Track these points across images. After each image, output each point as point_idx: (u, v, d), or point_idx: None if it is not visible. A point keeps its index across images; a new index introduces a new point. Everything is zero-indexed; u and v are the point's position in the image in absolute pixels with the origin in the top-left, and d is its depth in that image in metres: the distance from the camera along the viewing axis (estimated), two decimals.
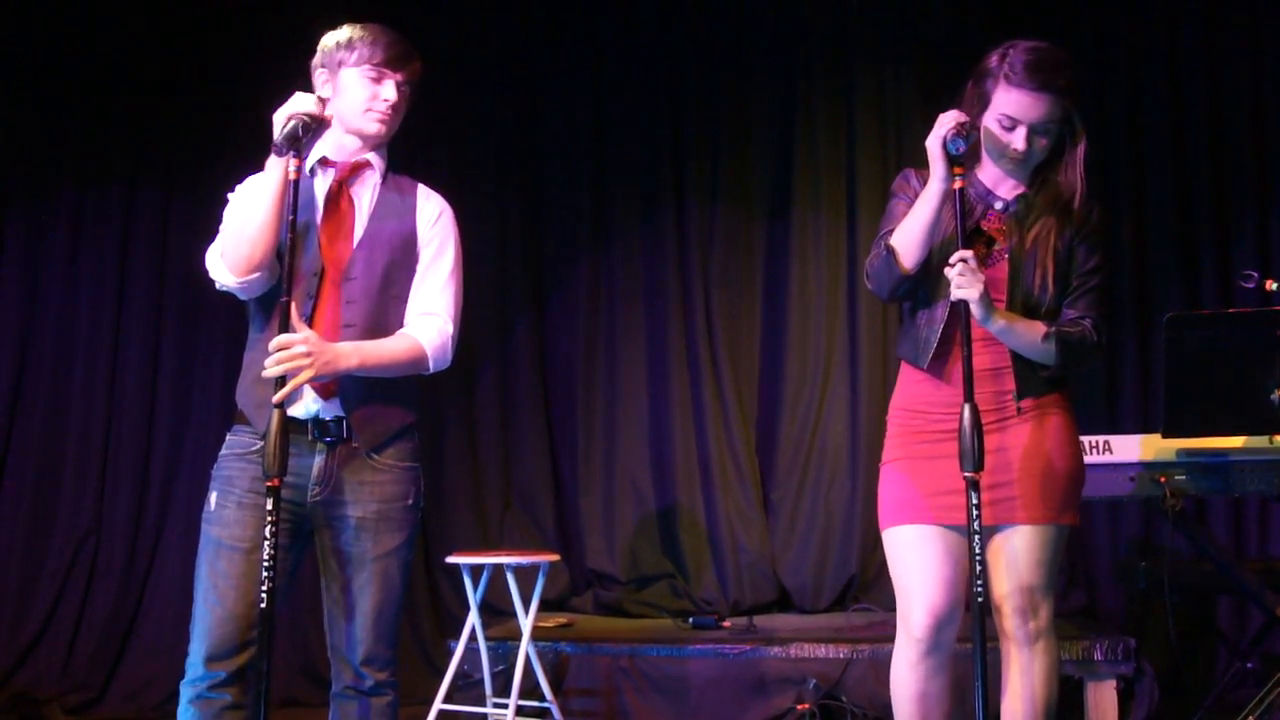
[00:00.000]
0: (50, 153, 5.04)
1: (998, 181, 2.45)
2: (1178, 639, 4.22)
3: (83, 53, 5.04)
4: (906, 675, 2.40)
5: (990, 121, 2.36)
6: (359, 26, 2.36)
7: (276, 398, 2.11)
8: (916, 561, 2.38)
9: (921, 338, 2.43)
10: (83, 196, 5.04)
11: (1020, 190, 2.44)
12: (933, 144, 2.30)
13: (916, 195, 2.40)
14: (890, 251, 2.38)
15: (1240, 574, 3.56)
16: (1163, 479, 3.27)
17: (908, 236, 2.36)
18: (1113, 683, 3.75)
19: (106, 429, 4.91)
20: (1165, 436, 3.18)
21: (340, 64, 2.33)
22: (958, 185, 2.27)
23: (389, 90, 2.32)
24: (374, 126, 2.33)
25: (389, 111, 2.33)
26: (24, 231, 5.00)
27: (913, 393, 2.46)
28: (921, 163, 2.37)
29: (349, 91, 2.32)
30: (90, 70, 5.03)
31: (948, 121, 2.28)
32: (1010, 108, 2.32)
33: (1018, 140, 2.33)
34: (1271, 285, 3.22)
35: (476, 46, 5.22)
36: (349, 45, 2.33)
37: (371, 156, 2.39)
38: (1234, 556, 4.09)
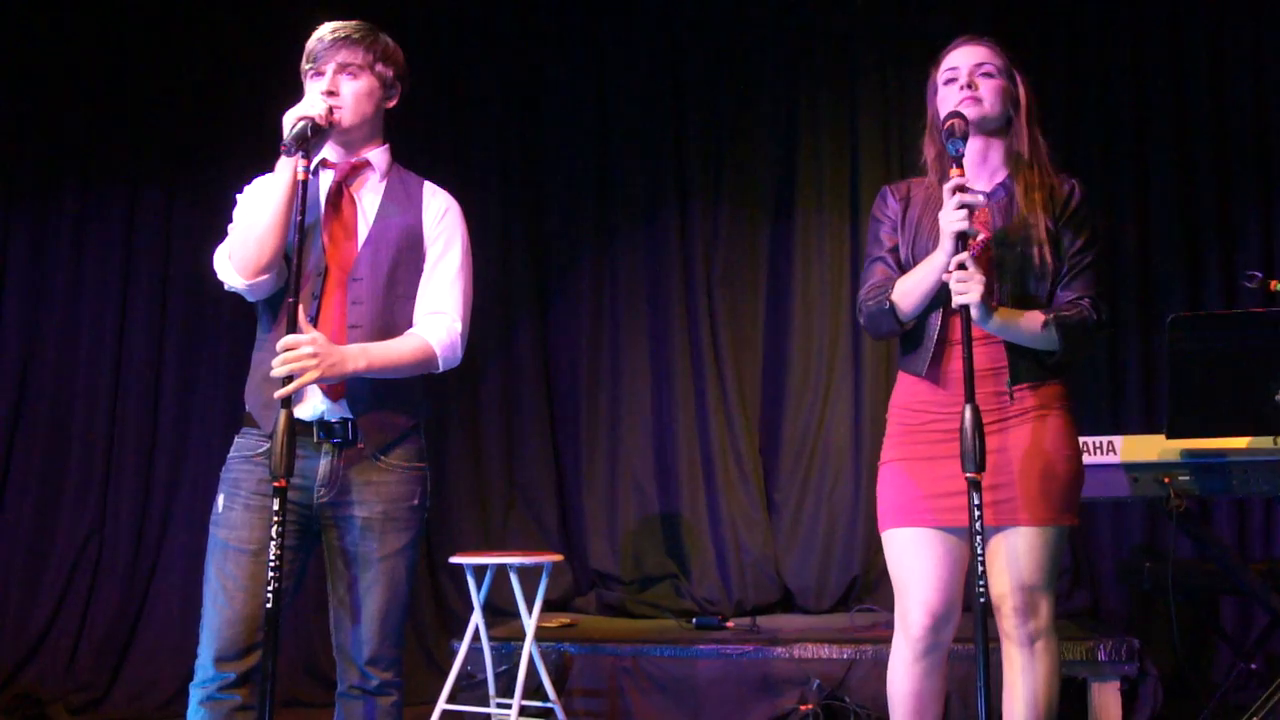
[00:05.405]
0: (52, 155, 5.04)
1: (974, 176, 2.47)
2: (1181, 640, 4.23)
3: (84, 53, 5.05)
4: (903, 674, 2.42)
5: (941, 91, 2.44)
6: (316, 31, 2.34)
7: (279, 394, 2.11)
8: (914, 563, 2.39)
9: (921, 346, 2.44)
10: (85, 197, 5.04)
11: (999, 179, 2.46)
12: (946, 223, 2.27)
13: (895, 216, 2.48)
14: (892, 306, 2.41)
15: (1244, 575, 3.56)
16: (1166, 480, 3.27)
17: (910, 298, 2.39)
18: (1116, 683, 3.76)
19: (110, 428, 4.91)
20: (1169, 437, 3.18)
21: (304, 75, 2.35)
22: (956, 174, 2.28)
23: (325, 83, 2.30)
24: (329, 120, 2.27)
25: (329, 103, 2.27)
26: (28, 232, 5.00)
27: (911, 392, 2.47)
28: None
29: (308, 97, 2.30)
30: (92, 70, 5.04)
31: (957, 201, 2.25)
32: (950, 62, 2.46)
33: (962, 80, 2.41)
34: (1275, 286, 3.21)
35: (479, 47, 5.23)
36: (304, 56, 2.34)
37: (371, 156, 2.38)
38: (1238, 557, 4.08)
